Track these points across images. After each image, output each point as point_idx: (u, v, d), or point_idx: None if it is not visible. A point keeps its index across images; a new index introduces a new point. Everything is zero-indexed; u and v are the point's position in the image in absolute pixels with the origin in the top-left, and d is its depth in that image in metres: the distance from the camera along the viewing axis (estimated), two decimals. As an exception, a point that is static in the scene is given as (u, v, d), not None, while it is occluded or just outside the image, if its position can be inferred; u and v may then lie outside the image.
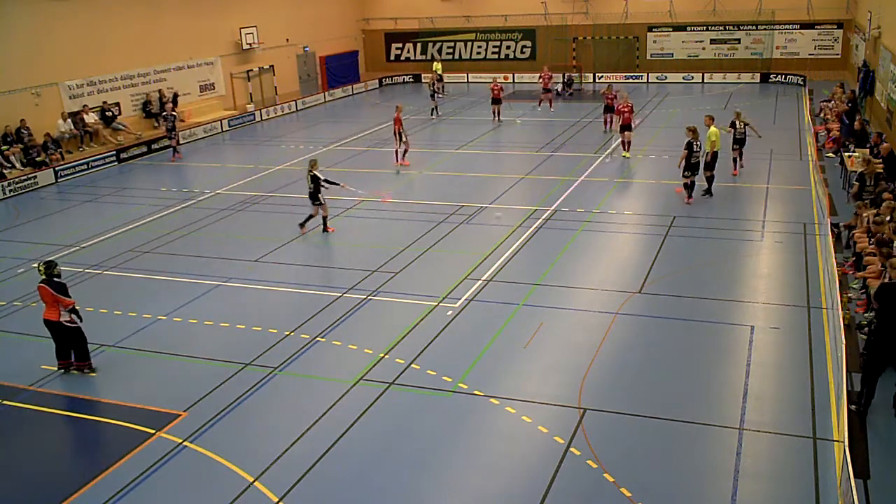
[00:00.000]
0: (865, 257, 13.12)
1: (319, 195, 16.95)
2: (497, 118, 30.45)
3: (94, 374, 11.33)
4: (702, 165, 18.46)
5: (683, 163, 18.05)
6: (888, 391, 9.63)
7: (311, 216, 17.34)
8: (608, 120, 27.33)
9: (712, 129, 18.46)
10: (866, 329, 11.23)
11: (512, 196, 19.86)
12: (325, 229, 17.36)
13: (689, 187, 18.30)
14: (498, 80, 32.89)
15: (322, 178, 16.79)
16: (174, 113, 27.23)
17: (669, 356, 11.24)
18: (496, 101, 30.24)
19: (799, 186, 19.61)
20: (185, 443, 9.52)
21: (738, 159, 21.04)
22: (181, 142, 28.12)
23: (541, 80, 33.53)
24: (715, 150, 18.45)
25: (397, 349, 11.67)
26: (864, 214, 14.58)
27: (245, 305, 13.68)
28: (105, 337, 12.41)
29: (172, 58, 32.07)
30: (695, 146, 17.84)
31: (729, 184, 19.84)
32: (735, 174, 20.71)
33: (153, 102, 30.94)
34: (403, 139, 23.16)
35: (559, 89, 36.84)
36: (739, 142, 20.86)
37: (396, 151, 23.49)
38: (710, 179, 18.68)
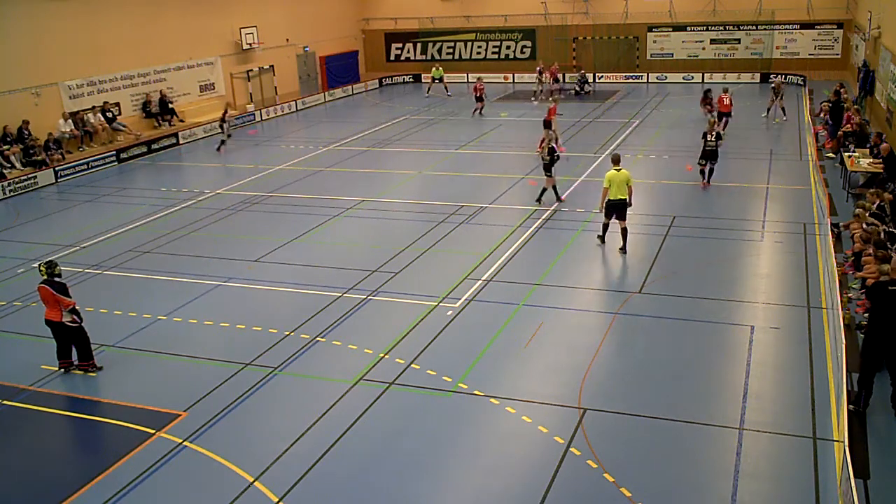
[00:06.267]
0: (864, 257, 13.12)
1: (552, 167, 18.46)
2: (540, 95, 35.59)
3: (94, 375, 11.32)
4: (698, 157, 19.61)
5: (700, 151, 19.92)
6: (886, 391, 9.63)
7: (554, 186, 18.67)
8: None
9: (623, 171, 15.13)
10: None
11: (512, 196, 19.86)
12: (558, 198, 18.83)
13: (702, 174, 19.95)
14: (555, 66, 37.49)
15: (556, 151, 18.48)
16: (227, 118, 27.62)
17: (669, 356, 11.24)
18: (557, 81, 36.38)
19: (799, 186, 19.61)
20: (185, 443, 9.52)
21: (707, 175, 19.73)
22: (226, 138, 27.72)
23: (549, 76, 36.71)
24: (621, 197, 15.05)
25: (397, 349, 11.66)
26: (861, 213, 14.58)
27: (245, 305, 13.68)
28: (105, 337, 12.40)
29: (172, 58, 32.07)
30: (708, 136, 19.53)
31: (729, 183, 19.85)
32: (704, 186, 19.69)
33: (153, 102, 30.97)
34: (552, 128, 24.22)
35: (576, 89, 37.09)
36: (710, 155, 19.47)
37: (557, 139, 24.36)
38: (605, 227, 15.65)
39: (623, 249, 15.27)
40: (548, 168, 18.49)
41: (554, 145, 18.37)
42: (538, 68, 36.73)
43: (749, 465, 8.63)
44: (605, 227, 15.67)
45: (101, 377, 11.31)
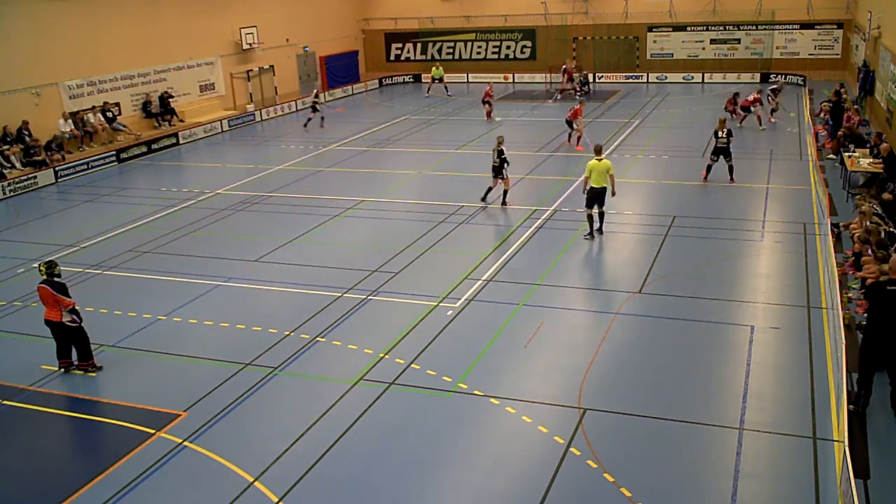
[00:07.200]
0: (863, 257, 13.12)
1: (504, 170, 18.40)
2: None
3: (94, 375, 11.33)
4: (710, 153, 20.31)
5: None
6: (886, 391, 9.62)
7: (490, 189, 18.79)
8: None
9: (605, 161, 15.81)
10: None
11: (512, 196, 19.82)
12: (504, 203, 18.72)
13: (708, 169, 20.39)
14: (570, 67, 37.04)
15: (506, 154, 18.32)
16: (317, 99, 31.67)
17: (669, 356, 11.25)
18: (572, 80, 35.77)
19: (799, 186, 19.61)
20: (185, 443, 9.52)
21: (708, 171, 20.33)
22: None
23: (565, 75, 36.71)
24: (602, 185, 15.81)
25: (397, 349, 11.67)
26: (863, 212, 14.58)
27: (245, 305, 13.69)
28: (105, 337, 12.40)
29: (172, 58, 32.06)
30: (719, 133, 19.96)
31: (728, 184, 19.85)
32: (705, 181, 20.18)
33: (153, 103, 30.98)
34: (576, 127, 25.31)
35: (577, 88, 36.91)
36: (721, 151, 19.93)
37: (580, 138, 25.24)
38: (590, 218, 16.10)
39: (600, 231, 16.21)
40: (497, 171, 18.45)
41: (503, 148, 18.25)
42: (563, 67, 37.06)
43: (749, 465, 8.64)
44: (590, 218, 16.05)
45: (101, 377, 11.31)
